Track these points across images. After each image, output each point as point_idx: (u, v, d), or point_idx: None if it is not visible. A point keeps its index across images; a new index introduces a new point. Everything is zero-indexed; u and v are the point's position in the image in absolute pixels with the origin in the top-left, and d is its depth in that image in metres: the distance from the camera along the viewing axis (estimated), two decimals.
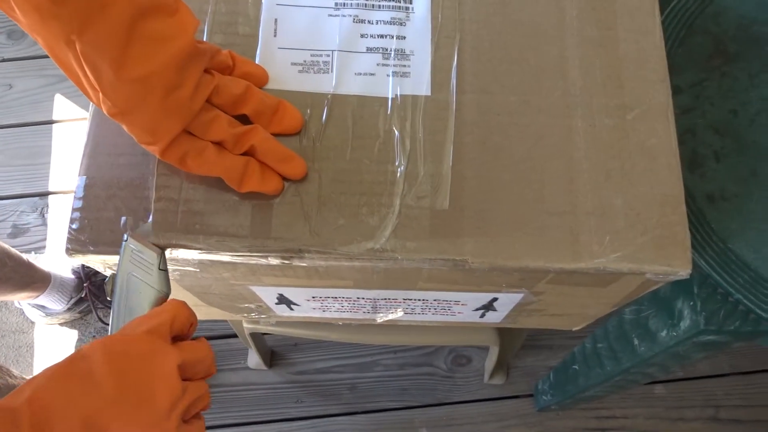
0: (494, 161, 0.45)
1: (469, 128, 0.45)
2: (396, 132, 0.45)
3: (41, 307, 1.12)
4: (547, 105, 0.46)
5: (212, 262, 0.45)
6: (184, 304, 0.40)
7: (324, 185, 0.43)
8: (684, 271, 0.43)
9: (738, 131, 0.61)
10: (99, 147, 0.46)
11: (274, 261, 0.43)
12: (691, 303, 0.63)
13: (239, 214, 0.43)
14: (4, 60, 1.39)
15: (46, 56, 1.39)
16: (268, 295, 0.55)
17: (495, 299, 0.54)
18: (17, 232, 1.25)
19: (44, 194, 1.29)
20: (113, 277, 0.41)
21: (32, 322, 1.18)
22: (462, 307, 0.58)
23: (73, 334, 1.18)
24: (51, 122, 1.34)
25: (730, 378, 1.14)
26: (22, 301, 1.13)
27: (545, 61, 0.47)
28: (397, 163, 0.44)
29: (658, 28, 0.48)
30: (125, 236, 0.41)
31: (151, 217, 0.43)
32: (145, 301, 0.40)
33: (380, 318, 0.63)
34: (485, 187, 0.44)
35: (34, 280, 1.05)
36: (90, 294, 1.12)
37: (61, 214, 1.27)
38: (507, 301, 0.54)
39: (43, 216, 1.27)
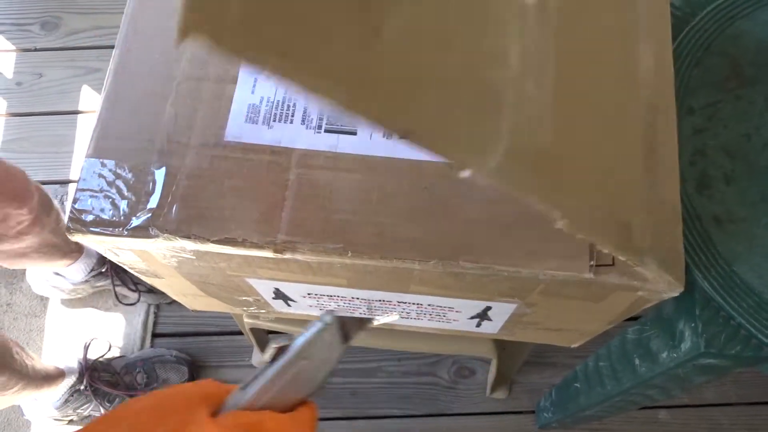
0: None
1: None
2: None
3: (60, 276, 1.13)
4: None
5: (208, 252, 0.45)
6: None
7: None
8: (676, 290, 0.43)
9: (750, 155, 0.61)
10: (107, 131, 0.47)
11: (267, 254, 0.44)
12: (693, 325, 0.62)
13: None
14: (36, 49, 1.42)
15: (76, 48, 1.43)
16: (264, 288, 0.56)
17: (489, 308, 0.54)
18: None
19: (65, 182, 1.31)
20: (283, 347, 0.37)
21: (44, 299, 1.20)
22: (457, 314, 0.58)
23: (84, 319, 1.19)
24: (77, 112, 1.37)
25: (737, 408, 1.12)
26: (47, 269, 1.14)
27: None
28: None
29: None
30: (329, 318, 0.37)
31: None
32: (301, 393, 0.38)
33: (376, 321, 0.63)
34: None
35: (72, 249, 1.07)
36: (111, 269, 1.13)
37: None
38: (501, 310, 0.54)
39: (63, 203, 1.29)
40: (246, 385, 0.37)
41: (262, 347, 1.07)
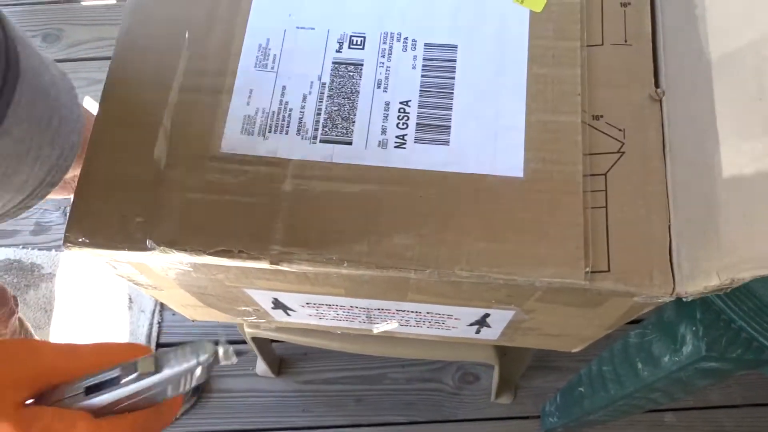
0: None
1: None
2: None
3: None
4: None
5: (205, 264, 0.45)
6: None
7: None
8: (669, 295, 0.43)
9: None
10: (104, 140, 0.48)
11: (263, 265, 0.44)
12: (694, 328, 0.62)
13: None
14: None
15: (78, 59, 1.43)
16: (263, 298, 0.56)
17: (487, 315, 0.54)
18: (39, 229, 1.28)
19: None
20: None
21: (48, 310, 1.20)
22: (456, 321, 0.58)
23: (89, 331, 1.20)
24: None
25: (742, 409, 1.12)
26: None
27: None
28: None
29: None
30: (204, 358, 0.34)
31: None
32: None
33: (376, 329, 0.63)
34: None
35: None
36: None
37: None
38: (499, 317, 0.54)
39: (66, 215, 1.29)
40: (90, 390, 0.33)
41: (266, 356, 1.07)
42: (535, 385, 1.15)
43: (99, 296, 1.22)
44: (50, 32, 1.45)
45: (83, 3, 1.49)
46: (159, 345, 1.19)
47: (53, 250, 1.26)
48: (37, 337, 0.93)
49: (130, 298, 1.22)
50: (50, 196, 0.57)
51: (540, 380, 1.16)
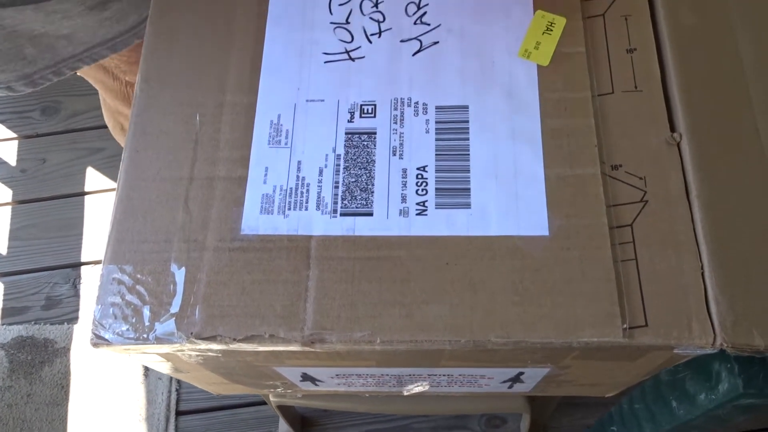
0: None
1: None
2: None
3: None
4: None
5: (234, 350, 0.45)
6: None
7: None
8: (712, 347, 0.42)
9: None
10: (122, 235, 0.47)
11: (295, 347, 0.43)
12: (728, 365, 0.60)
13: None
14: (38, 135, 1.44)
15: (77, 130, 1.44)
16: (292, 374, 0.55)
17: (521, 373, 0.53)
18: (50, 303, 1.28)
19: (76, 265, 1.31)
20: None
21: (65, 386, 1.19)
22: (489, 380, 0.57)
23: (107, 403, 1.18)
24: (83, 194, 1.37)
25: None
26: None
27: None
28: None
29: None
30: None
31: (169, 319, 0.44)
32: None
33: (407, 391, 0.62)
34: None
35: None
36: None
37: (93, 284, 1.29)
38: (534, 374, 0.53)
39: (76, 287, 1.29)
40: None
41: (288, 417, 1.05)
42: (563, 423, 1.13)
43: (115, 367, 1.21)
44: (49, 105, 1.46)
45: (78, 72, 1.50)
46: (179, 413, 1.17)
47: (65, 323, 1.24)
48: None
49: (145, 367, 1.21)
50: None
51: (567, 418, 1.14)
